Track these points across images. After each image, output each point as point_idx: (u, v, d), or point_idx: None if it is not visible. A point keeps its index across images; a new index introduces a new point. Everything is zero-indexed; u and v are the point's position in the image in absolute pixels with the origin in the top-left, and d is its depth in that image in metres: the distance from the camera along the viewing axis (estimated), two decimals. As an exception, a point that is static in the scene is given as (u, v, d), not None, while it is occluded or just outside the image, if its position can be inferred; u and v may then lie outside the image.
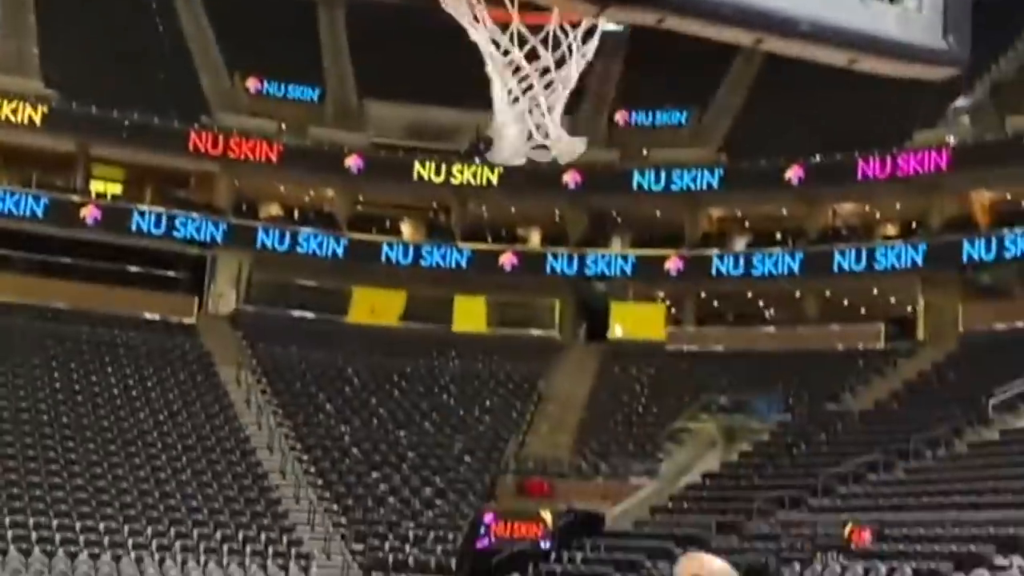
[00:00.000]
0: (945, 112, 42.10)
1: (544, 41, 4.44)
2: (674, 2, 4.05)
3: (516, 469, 37.46)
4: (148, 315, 42.68)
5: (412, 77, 44.76)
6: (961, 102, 42.08)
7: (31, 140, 42.90)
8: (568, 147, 4.68)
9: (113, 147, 43.85)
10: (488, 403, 40.79)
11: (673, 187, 44.49)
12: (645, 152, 46.56)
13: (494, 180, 45.42)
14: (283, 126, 46.24)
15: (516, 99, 4.45)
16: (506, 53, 4.38)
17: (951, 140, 41.17)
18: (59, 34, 45.60)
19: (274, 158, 44.90)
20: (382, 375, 41.66)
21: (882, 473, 30.13)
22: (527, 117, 4.49)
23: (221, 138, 44.50)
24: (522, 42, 4.41)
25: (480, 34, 4.37)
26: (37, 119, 42.37)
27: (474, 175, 45.51)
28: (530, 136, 4.55)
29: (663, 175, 44.60)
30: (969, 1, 4.62)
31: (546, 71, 4.47)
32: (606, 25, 4.24)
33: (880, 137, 41.27)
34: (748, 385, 38.88)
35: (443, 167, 45.54)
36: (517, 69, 4.42)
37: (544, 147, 4.66)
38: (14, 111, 42.10)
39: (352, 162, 45.33)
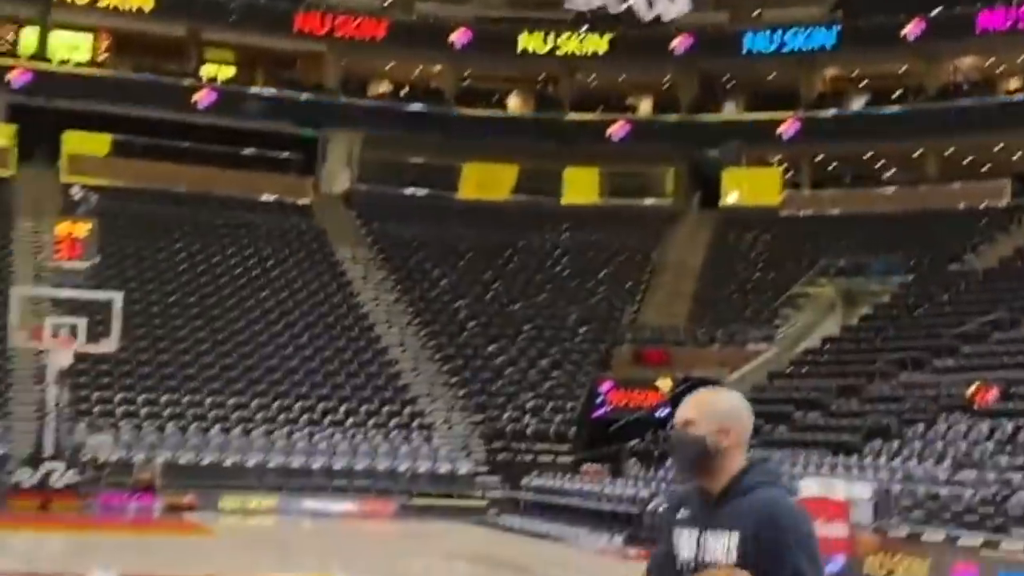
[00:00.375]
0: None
1: None
2: None
3: (632, 338, 37.50)
4: (264, 196, 43.22)
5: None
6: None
7: (142, 26, 43.30)
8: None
9: (223, 31, 44.09)
10: (602, 274, 40.74)
11: (786, 48, 43.39)
12: (756, 12, 45.34)
13: (601, 49, 44.75)
14: (387, 2, 45.92)
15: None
16: None
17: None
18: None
19: (380, 35, 44.72)
20: (494, 249, 41.79)
21: (1008, 331, 29.51)
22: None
23: (328, 17, 44.39)
24: None
25: None
26: (147, 5, 42.67)
27: (580, 45, 44.87)
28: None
29: (776, 36, 43.48)
30: None
31: None
32: None
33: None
34: (867, 248, 38.20)
35: (549, 38, 44.95)
36: None
37: None
38: (124, -2, 42.47)
39: (458, 37, 44.96)
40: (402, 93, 46.69)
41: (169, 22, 43.35)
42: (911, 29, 41.22)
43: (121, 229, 37.40)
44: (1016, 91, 41.28)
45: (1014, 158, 41.35)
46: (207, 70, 45.28)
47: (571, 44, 44.98)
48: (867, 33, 42.08)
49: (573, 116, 45.54)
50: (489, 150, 44.57)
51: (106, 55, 44.47)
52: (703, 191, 45.15)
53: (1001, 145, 41.10)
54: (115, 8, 42.52)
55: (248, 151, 43.78)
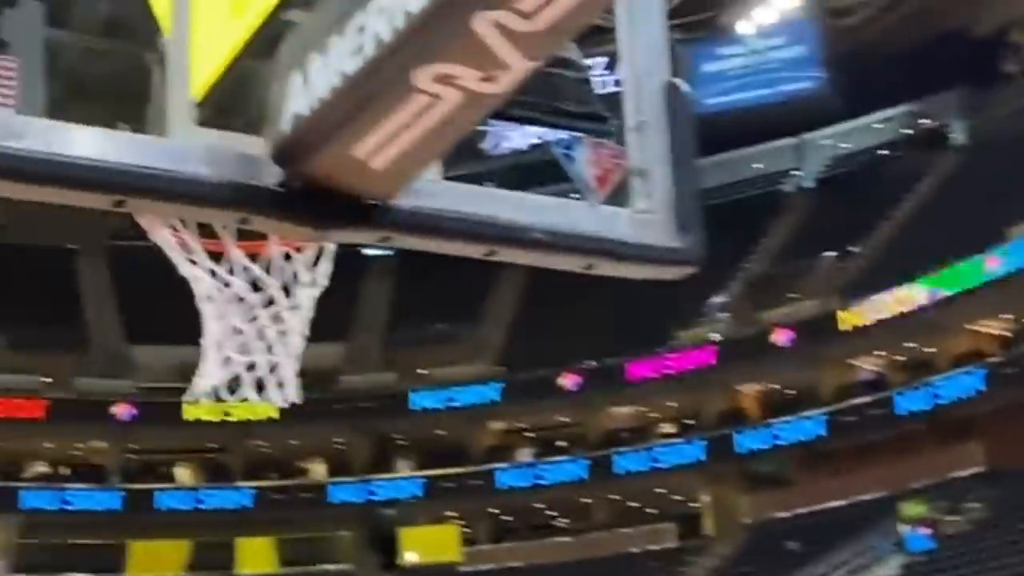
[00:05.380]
0: (704, 309, 43.71)
1: (267, 269, 4.25)
2: (396, 220, 3.94)
3: None
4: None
5: (178, 319, 43.85)
6: (718, 299, 43.82)
7: None
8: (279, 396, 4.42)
9: None
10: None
11: (453, 404, 44.49)
12: (423, 371, 46.55)
13: (274, 414, 44.49)
14: (47, 380, 44.38)
15: (239, 333, 4.22)
16: (226, 285, 4.18)
17: (714, 336, 42.61)
18: None
19: (39, 414, 42.94)
20: (168, 632, 39.36)
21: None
22: (256, 352, 4.26)
23: (-19, 396, 42.40)
24: (242, 272, 4.21)
25: (189, 267, 4.16)
26: None
27: (251, 411, 44.48)
28: (252, 372, 4.30)
29: (442, 393, 44.61)
30: (697, 200, 4.66)
31: (271, 302, 4.26)
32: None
33: (647, 338, 42.39)
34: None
35: (218, 407, 44.39)
36: (240, 301, 4.22)
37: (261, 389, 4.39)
38: None
39: (121, 410, 43.76)
40: (64, 471, 44.54)
41: None
42: (568, 380, 43.19)
43: None
44: (670, 435, 43.47)
45: (677, 500, 43.13)
46: None
47: (241, 412, 44.52)
48: (528, 386, 43.74)
49: (245, 484, 44.55)
50: (159, 526, 42.70)
51: None
52: (382, 553, 44.53)
53: (661, 490, 42.89)
54: None
55: None
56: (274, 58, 3.85)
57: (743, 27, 49.99)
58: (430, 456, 45.61)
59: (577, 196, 4.50)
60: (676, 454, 41.73)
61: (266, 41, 4.03)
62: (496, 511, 45.03)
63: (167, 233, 4.07)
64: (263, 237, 4.19)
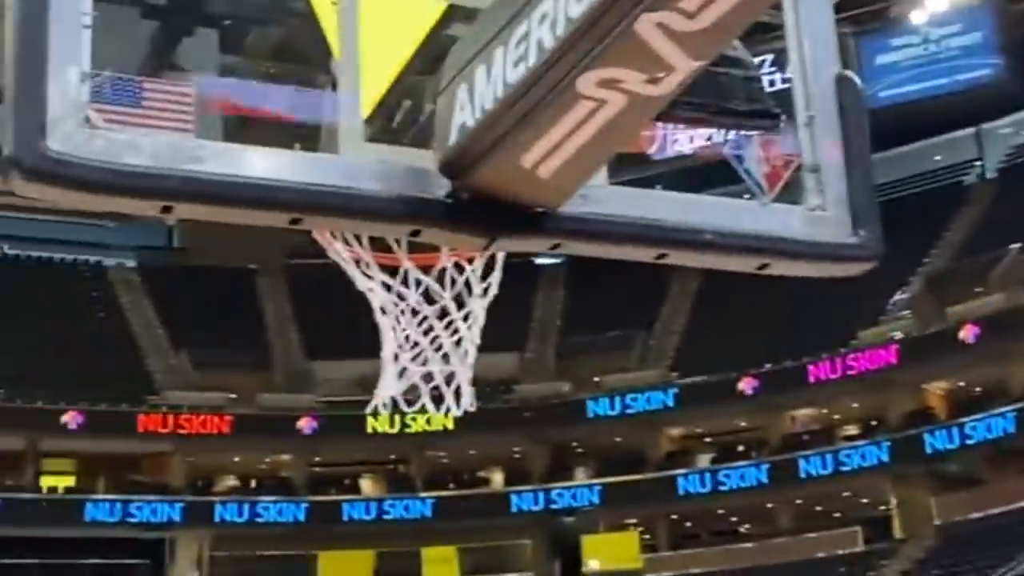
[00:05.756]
0: (886, 308, 42.66)
1: (440, 281, 4.31)
2: (565, 227, 3.93)
3: None
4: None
5: (356, 333, 44.80)
6: (900, 297, 42.72)
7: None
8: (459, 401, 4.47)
9: (62, 439, 43.17)
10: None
11: (629, 411, 44.34)
12: (597, 379, 46.54)
13: (450, 425, 45.07)
14: (232, 397, 45.85)
15: (415, 344, 4.29)
16: (400, 298, 4.25)
17: (896, 335, 41.52)
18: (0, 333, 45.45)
19: (226, 430, 44.40)
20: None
21: None
22: (432, 363, 4.32)
23: (171, 417, 44.03)
24: (416, 284, 4.28)
25: (365, 281, 4.24)
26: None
27: (428, 422, 45.15)
28: (429, 382, 4.36)
29: (617, 400, 44.51)
30: (873, 195, 4.53)
31: (444, 313, 4.31)
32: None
33: (826, 339, 41.57)
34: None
35: (396, 418, 45.16)
36: (415, 313, 4.28)
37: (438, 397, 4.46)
38: (-42, 412, 41.46)
39: (304, 424, 44.92)
40: (252, 484, 45.95)
41: (6, 435, 42.27)
42: (746, 384, 42.60)
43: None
44: (854, 437, 42.52)
45: (863, 503, 42.15)
46: (46, 481, 44.03)
47: (419, 423, 45.23)
48: (704, 391, 43.33)
49: (426, 494, 45.22)
50: (344, 536, 43.69)
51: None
52: (563, 560, 44.64)
53: (846, 493, 41.95)
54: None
55: (92, 561, 42.05)
56: (439, 72, 3.90)
57: (916, 16, 48.66)
58: (608, 463, 45.55)
59: (748, 196, 4.42)
60: (861, 456, 40.73)
61: (431, 56, 4.08)
62: (676, 517, 44.66)
63: (342, 248, 4.15)
64: (435, 249, 4.23)
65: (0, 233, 53.51)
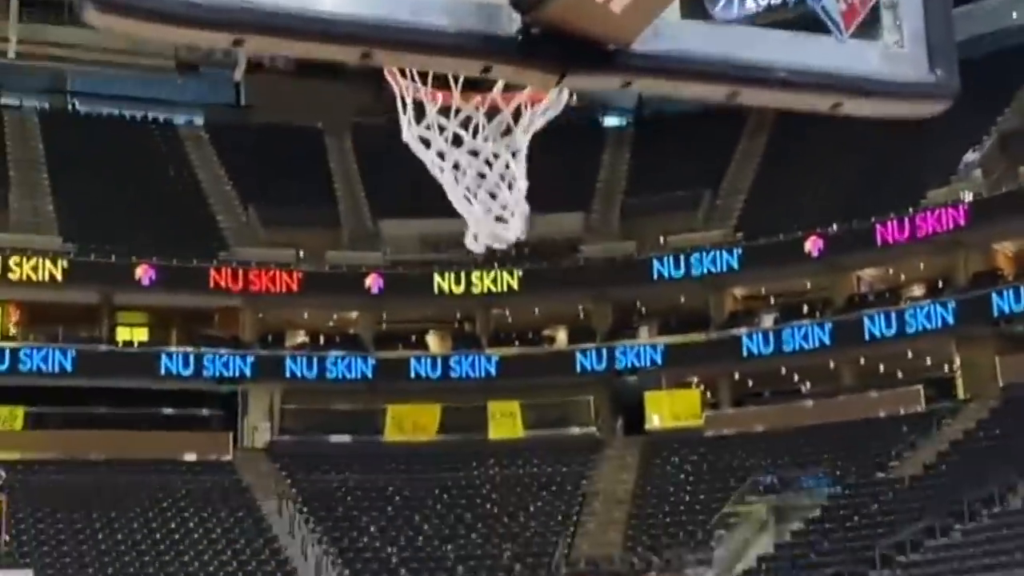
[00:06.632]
0: (956, 168, 41.96)
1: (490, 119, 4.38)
2: (638, 64, 3.89)
3: (568, 572, 36.77)
4: (185, 456, 42.47)
5: (422, 193, 44.91)
6: (971, 156, 41.96)
7: (54, 296, 43.08)
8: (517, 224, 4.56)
9: (135, 294, 44.04)
10: (533, 507, 40.24)
11: (693, 272, 44.33)
12: (662, 239, 46.47)
13: (515, 284, 45.39)
14: (300, 254, 46.40)
15: (481, 177, 4.37)
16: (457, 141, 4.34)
17: (966, 196, 40.88)
18: (72, 189, 46.14)
19: (295, 287, 45.02)
20: (423, 490, 41.21)
21: (939, 538, 29.40)
22: (488, 201, 4.40)
23: (241, 272, 44.66)
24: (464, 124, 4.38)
25: (413, 131, 4.35)
26: (58, 275, 42.61)
27: (494, 282, 45.49)
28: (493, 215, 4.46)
29: (682, 260, 44.47)
30: (952, 31, 4.43)
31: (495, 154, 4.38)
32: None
33: (894, 199, 41.06)
34: (793, 462, 38.24)
35: (462, 277, 45.53)
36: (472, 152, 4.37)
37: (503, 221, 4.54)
38: (35, 269, 42.36)
39: (372, 282, 45.40)
40: (320, 341, 46.73)
41: (81, 289, 43.22)
42: (812, 245, 42.31)
43: (34, 503, 36.35)
44: (921, 298, 42.26)
45: (927, 363, 42.07)
46: (121, 333, 45.05)
47: (485, 282, 45.58)
48: (769, 252, 43.12)
49: (492, 351, 45.74)
50: (411, 392, 44.50)
51: (16, 327, 44.11)
52: (626, 417, 45.21)
53: (910, 353, 41.85)
54: (27, 279, 42.35)
55: (167, 411, 43.25)
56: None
57: None
58: (671, 323, 45.73)
59: (823, 32, 4.34)
60: (927, 316, 40.50)
61: None
62: (738, 376, 44.90)
63: (406, 85, 4.20)
64: (487, 89, 4.24)
65: (72, 90, 53.94)
